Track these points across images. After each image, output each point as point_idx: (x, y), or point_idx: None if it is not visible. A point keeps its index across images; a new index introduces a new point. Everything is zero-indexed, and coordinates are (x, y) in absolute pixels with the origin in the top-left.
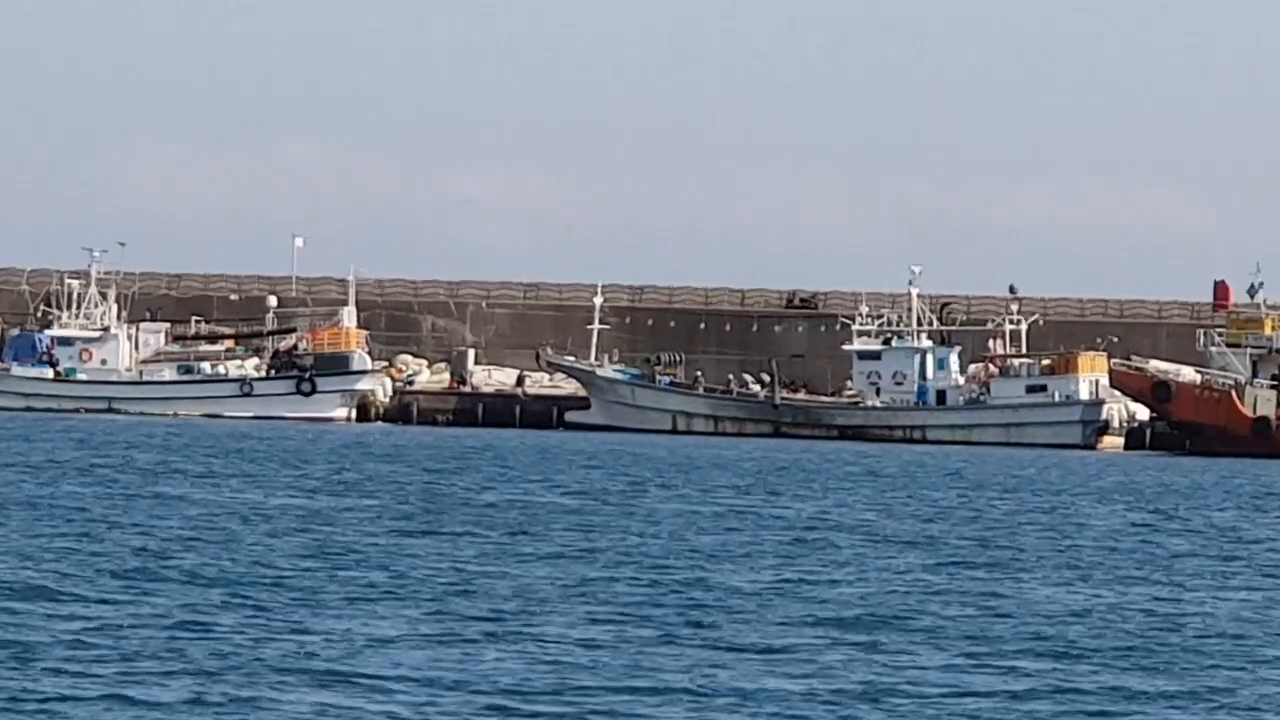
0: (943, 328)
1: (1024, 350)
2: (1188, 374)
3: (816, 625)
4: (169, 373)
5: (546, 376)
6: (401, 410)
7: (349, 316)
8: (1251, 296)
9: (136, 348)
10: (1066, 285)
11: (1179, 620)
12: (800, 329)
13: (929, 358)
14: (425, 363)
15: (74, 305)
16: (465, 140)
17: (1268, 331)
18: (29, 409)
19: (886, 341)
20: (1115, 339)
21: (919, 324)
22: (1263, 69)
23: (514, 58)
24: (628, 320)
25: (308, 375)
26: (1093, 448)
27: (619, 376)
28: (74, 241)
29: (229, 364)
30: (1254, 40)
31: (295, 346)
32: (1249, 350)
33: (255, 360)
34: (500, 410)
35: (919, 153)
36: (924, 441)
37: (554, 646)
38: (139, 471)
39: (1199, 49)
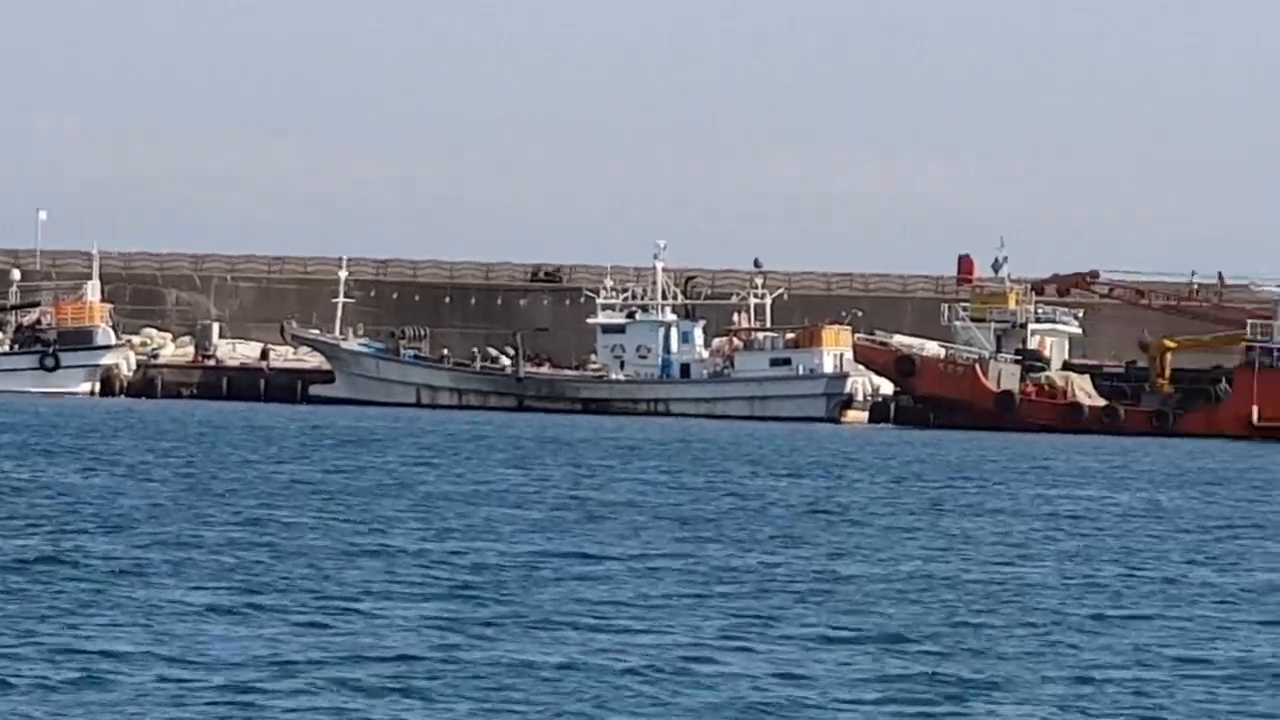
0: (687, 301)
1: (768, 324)
2: (932, 348)
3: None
4: None
5: (291, 350)
6: (146, 384)
7: (93, 290)
8: (996, 271)
9: None
10: (811, 259)
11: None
12: (545, 303)
13: (673, 331)
14: (170, 336)
15: None
16: (210, 113)
17: (1012, 306)
18: None
19: (631, 315)
20: (860, 313)
21: (663, 298)
22: (1012, 42)
23: (263, 28)
24: (372, 294)
25: (51, 350)
26: (836, 421)
27: (363, 350)
28: None
29: None
30: (1010, 14)
31: (39, 321)
32: (993, 325)
33: None
34: (244, 384)
35: (664, 125)
36: (668, 415)
37: None
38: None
39: (953, 21)
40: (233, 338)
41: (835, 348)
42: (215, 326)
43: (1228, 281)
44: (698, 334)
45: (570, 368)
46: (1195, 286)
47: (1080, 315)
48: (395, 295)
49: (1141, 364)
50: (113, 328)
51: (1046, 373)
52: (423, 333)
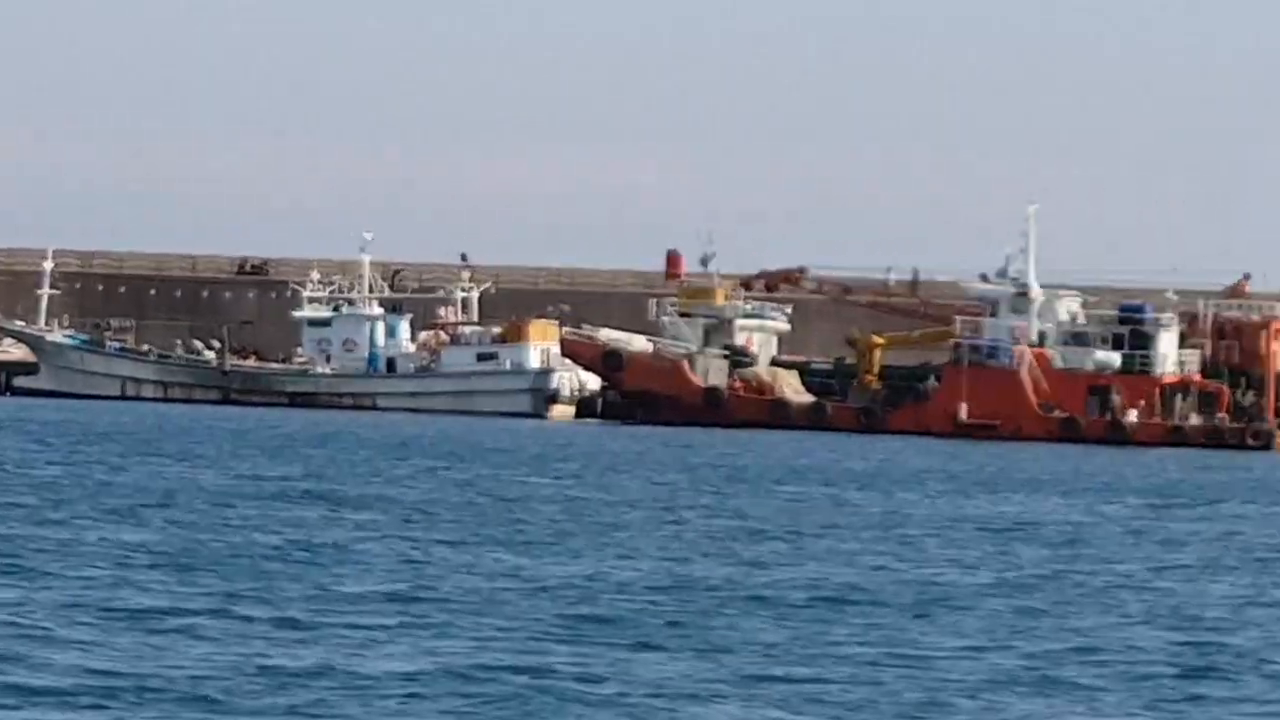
0: (393, 295)
1: (475, 318)
2: (639, 343)
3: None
4: None
5: None
6: None
7: None
8: (704, 266)
9: None
10: (519, 254)
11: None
12: (251, 295)
13: (379, 325)
14: None
15: None
16: None
17: (719, 302)
18: None
19: (336, 309)
20: (567, 308)
21: (370, 291)
22: (719, 38)
23: None
24: (78, 286)
25: None
26: (543, 416)
27: (67, 342)
28: None
29: None
30: (705, 8)
31: None
32: (701, 320)
33: None
34: None
35: (371, 119)
36: (374, 409)
37: None
38: None
39: (654, 18)
40: None
41: (542, 342)
42: None
43: (938, 278)
44: (404, 328)
45: (276, 361)
46: (891, 283)
47: (789, 311)
48: (101, 287)
49: (850, 361)
50: None
51: (754, 369)
52: (128, 325)
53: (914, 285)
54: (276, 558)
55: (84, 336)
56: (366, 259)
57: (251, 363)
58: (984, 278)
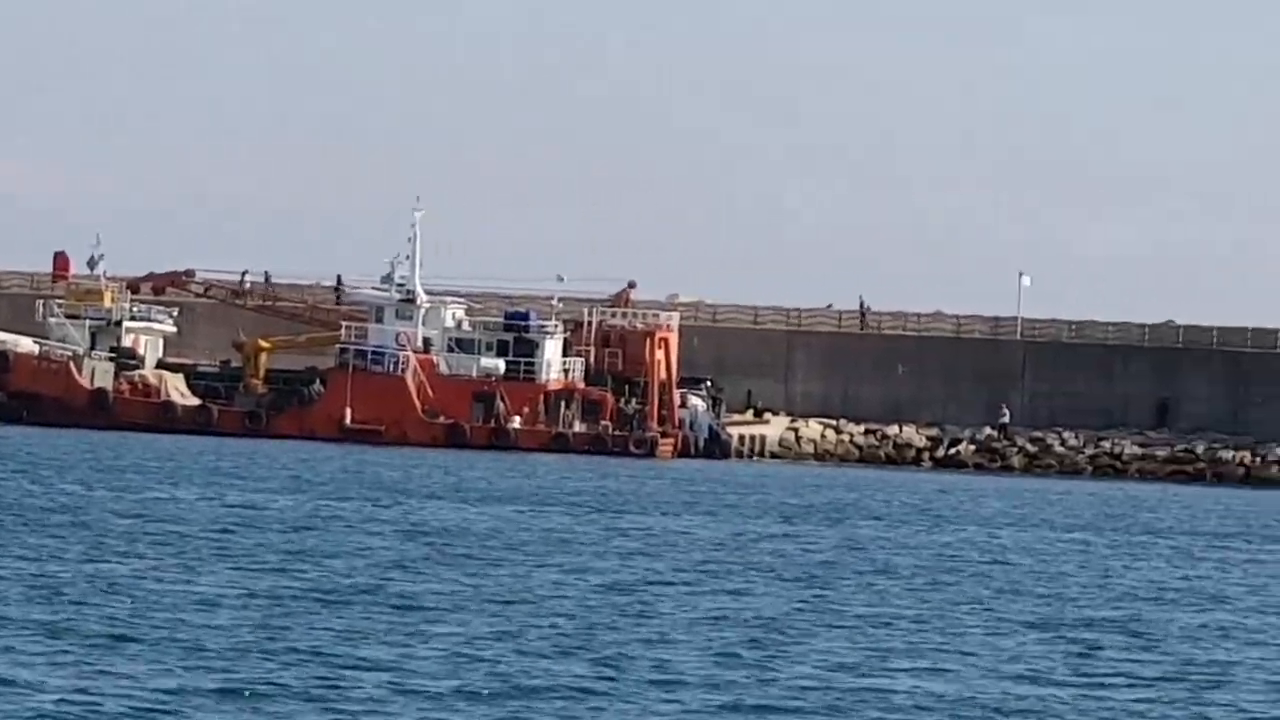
0: None
1: None
2: (26, 344)
3: None
4: None
5: None
6: None
7: None
8: (92, 268)
9: None
10: None
11: None
12: None
13: None
14: None
15: None
16: None
17: (107, 304)
18: None
19: None
20: None
21: None
22: (98, 34)
23: None
24: None
25: None
26: None
27: None
28: None
29: None
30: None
31: None
32: (88, 322)
33: None
34: None
35: None
36: None
37: None
38: None
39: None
40: None
41: None
42: None
43: (325, 283)
44: None
45: None
46: (246, 285)
47: (176, 314)
48: None
49: (238, 364)
50: None
51: (141, 371)
52: None
53: (267, 288)
54: None
55: None
56: None
57: None
58: (339, 280)
